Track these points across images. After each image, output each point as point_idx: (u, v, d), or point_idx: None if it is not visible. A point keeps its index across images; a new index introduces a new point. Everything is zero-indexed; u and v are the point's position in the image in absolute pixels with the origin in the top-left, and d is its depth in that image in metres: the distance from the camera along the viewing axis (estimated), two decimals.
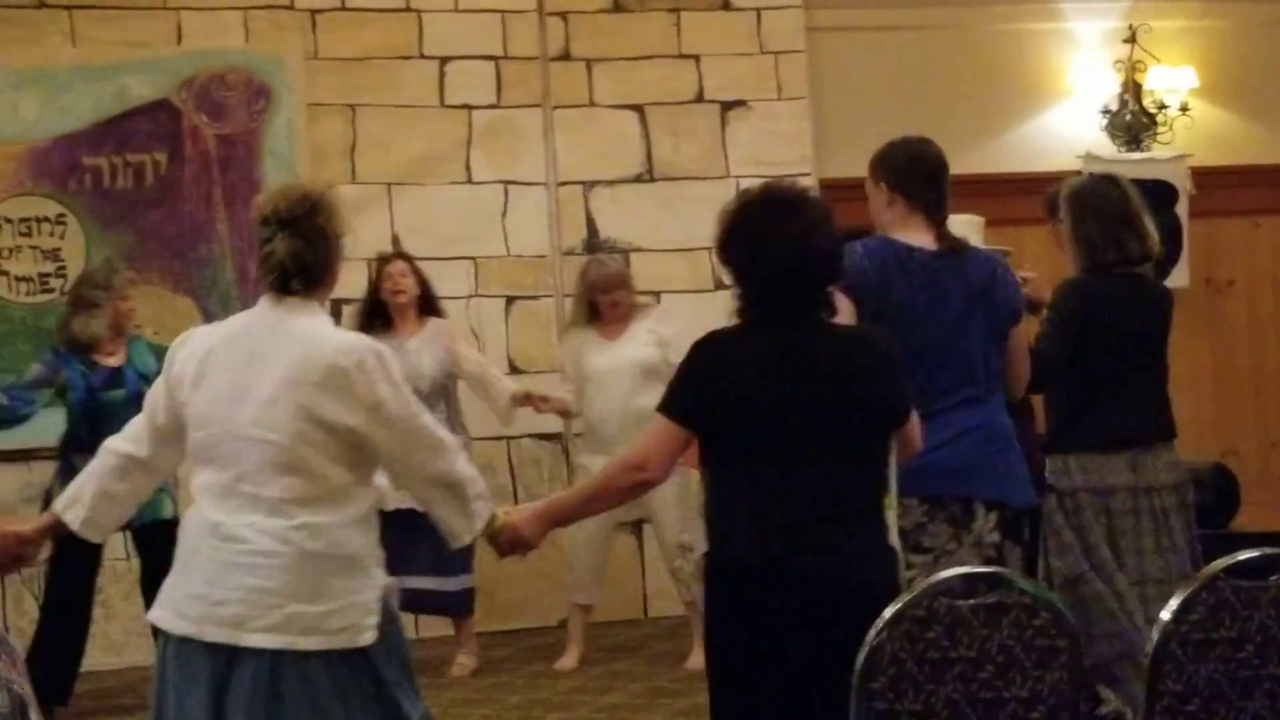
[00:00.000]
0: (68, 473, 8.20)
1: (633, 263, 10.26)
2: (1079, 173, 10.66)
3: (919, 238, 5.36)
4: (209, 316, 9.42)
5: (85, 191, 9.52)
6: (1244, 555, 4.12)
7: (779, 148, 10.53)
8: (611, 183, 10.41)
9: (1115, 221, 6.01)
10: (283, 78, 9.89)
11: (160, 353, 8.58)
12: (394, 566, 4.86)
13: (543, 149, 10.34)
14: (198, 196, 9.71)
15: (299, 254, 4.39)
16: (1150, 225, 6.05)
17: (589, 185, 10.38)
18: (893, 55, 10.88)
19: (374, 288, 8.80)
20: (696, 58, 10.54)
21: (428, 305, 8.83)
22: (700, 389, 4.43)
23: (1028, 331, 5.85)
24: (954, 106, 10.75)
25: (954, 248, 5.39)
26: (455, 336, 8.89)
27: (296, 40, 9.97)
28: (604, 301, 8.80)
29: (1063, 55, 11.20)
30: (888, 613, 3.89)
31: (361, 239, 9.83)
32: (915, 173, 5.45)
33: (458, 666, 8.79)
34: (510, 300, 10.12)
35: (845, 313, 4.98)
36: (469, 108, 10.26)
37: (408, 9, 10.19)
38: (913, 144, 5.58)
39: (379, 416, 4.33)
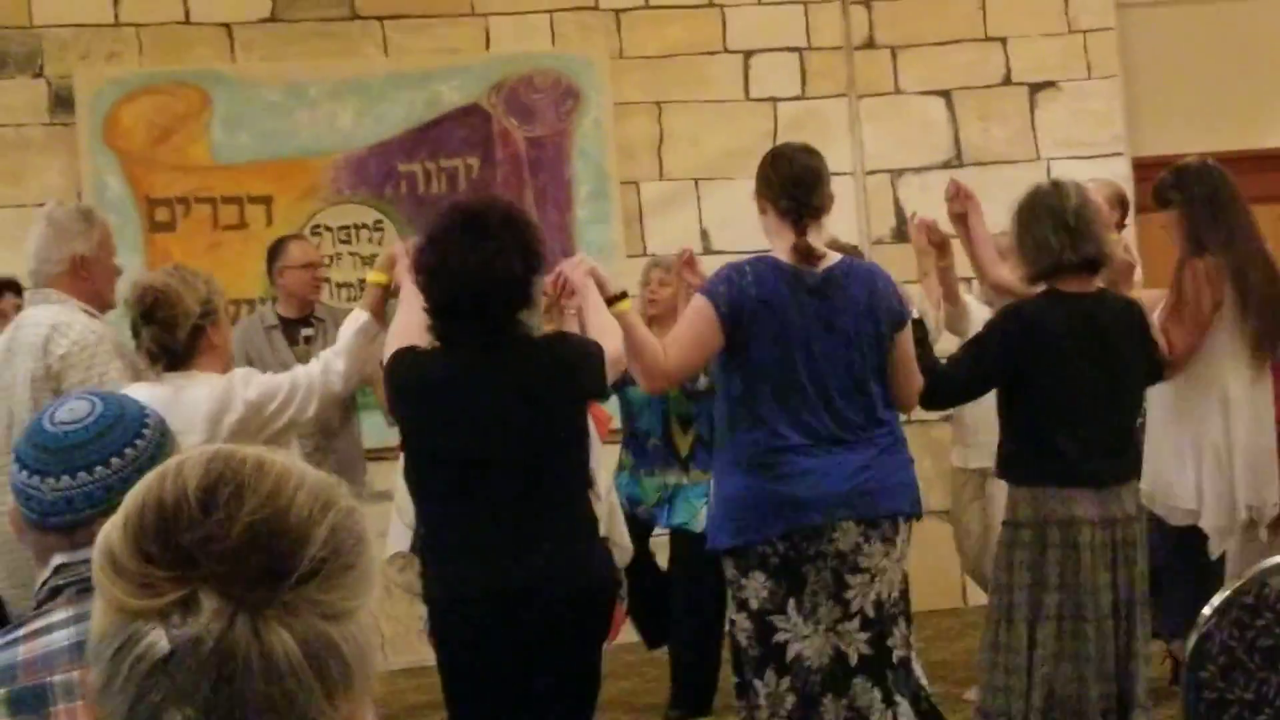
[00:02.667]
0: None
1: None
2: None
3: (788, 251, 5.41)
4: None
5: (401, 198, 9.73)
6: None
7: (1090, 128, 10.34)
8: (920, 170, 10.31)
9: (1047, 226, 5.68)
10: (590, 78, 9.99)
11: None
12: None
13: (849, 138, 10.30)
14: (510, 199, 9.84)
15: (158, 340, 5.11)
16: (1096, 231, 5.73)
17: (897, 173, 10.31)
18: (1206, 29, 10.58)
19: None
20: (1004, 40, 10.40)
21: None
22: (399, 408, 4.70)
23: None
24: (1269, 78, 10.47)
25: (810, 262, 5.37)
26: None
27: (602, 40, 10.07)
28: None
29: None
30: (1216, 600, 3.77)
31: (671, 235, 9.94)
32: (781, 181, 5.42)
33: None
34: None
35: (710, 335, 5.29)
36: (774, 100, 10.26)
37: (711, 4, 10.23)
38: (783, 151, 5.62)
39: (263, 417, 5.19)
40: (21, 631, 2.53)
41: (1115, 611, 5.64)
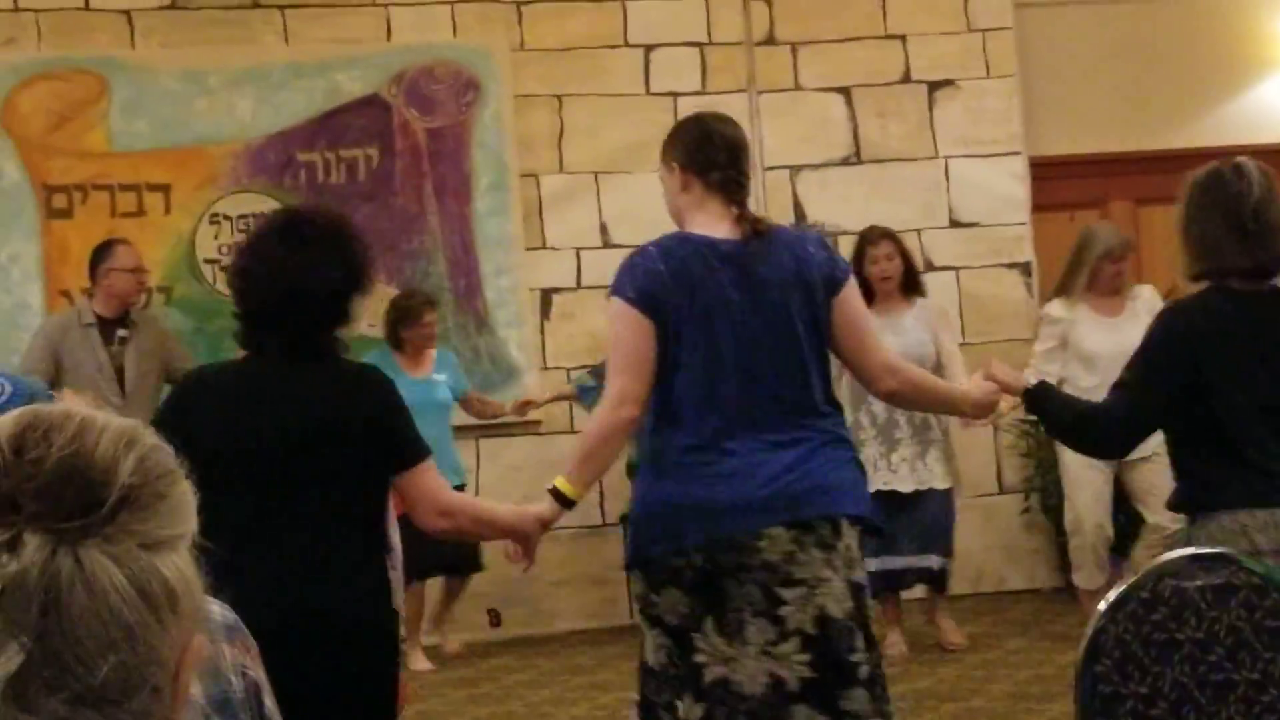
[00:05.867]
0: None
1: (841, 246, 10.22)
2: None
3: (718, 225, 4.80)
4: None
5: (300, 187, 9.67)
6: (1184, 552, 3.94)
7: (988, 127, 10.42)
8: (818, 166, 10.37)
9: (1219, 223, 4.71)
10: (490, 70, 9.98)
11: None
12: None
13: (749, 134, 10.27)
14: (409, 190, 9.83)
15: None
16: (1277, 230, 4.69)
17: (796, 169, 10.36)
18: (1102, 29, 10.70)
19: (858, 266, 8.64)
20: (903, 37, 10.46)
21: (912, 283, 8.72)
22: (173, 426, 4.14)
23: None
24: (1166, 80, 10.59)
25: (758, 231, 4.80)
26: (941, 319, 8.74)
27: (503, 32, 10.06)
28: (1109, 271, 8.29)
29: (1277, 23, 10.92)
30: (1112, 595, 3.83)
31: (570, 228, 9.96)
32: (709, 149, 4.88)
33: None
34: None
35: (634, 331, 4.70)
36: (674, 95, 10.27)
37: None
38: (706, 120, 5.08)
39: None
40: None
41: None
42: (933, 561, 8.45)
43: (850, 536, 4.72)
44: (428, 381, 8.99)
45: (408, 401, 9.10)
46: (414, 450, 4.32)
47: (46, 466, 1.40)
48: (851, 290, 4.88)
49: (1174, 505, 4.83)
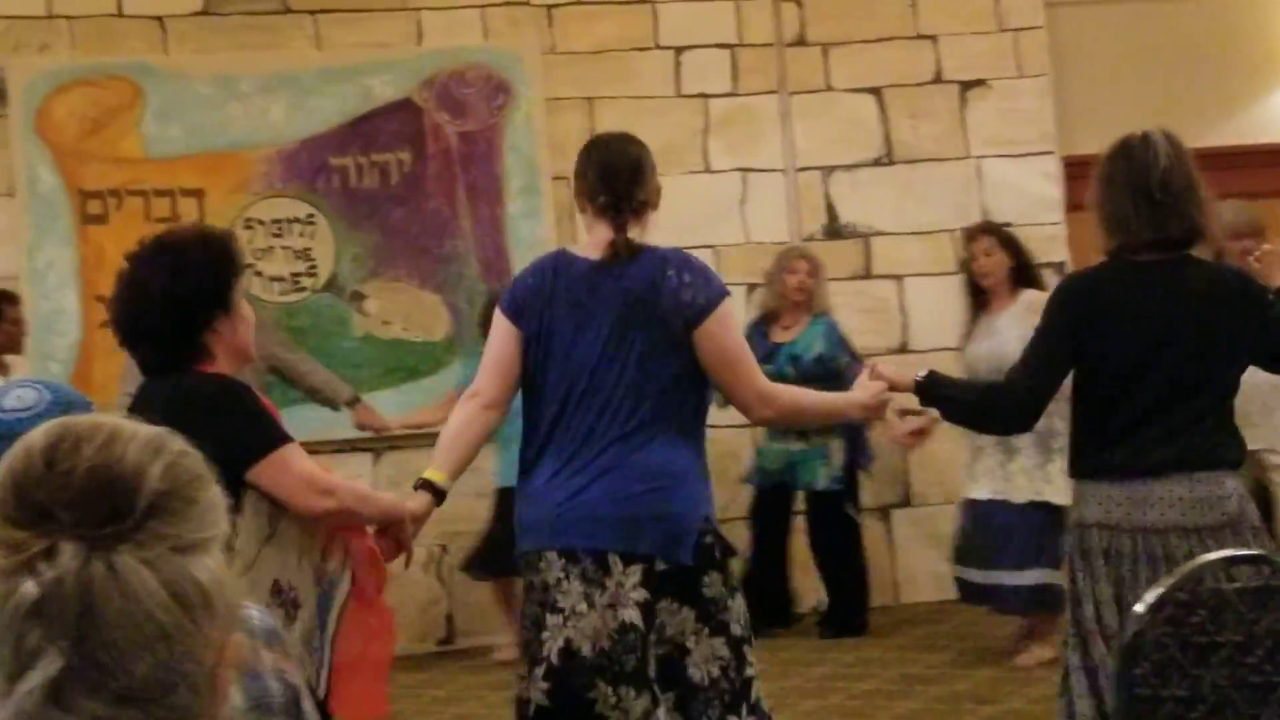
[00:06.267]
0: None
1: (872, 247, 10.23)
2: None
3: (597, 248, 4.88)
4: (455, 312, 9.59)
5: (333, 191, 9.71)
6: (1222, 554, 3.91)
7: (1020, 127, 10.41)
8: (850, 167, 10.36)
9: (1126, 195, 4.72)
10: (521, 73, 9.99)
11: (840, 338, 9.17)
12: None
13: (780, 135, 10.32)
14: (441, 193, 9.85)
15: None
16: (1186, 202, 4.69)
17: (828, 170, 10.35)
18: (1134, 28, 10.68)
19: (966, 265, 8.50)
20: (934, 38, 10.45)
21: (1023, 276, 8.33)
22: None
23: None
24: (1198, 78, 10.55)
25: (620, 253, 4.82)
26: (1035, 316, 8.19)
27: (534, 35, 10.07)
28: (1235, 250, 7.42)
29: None
30: (1150, 597, 3.81)
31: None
32: (593, 174, 4.98)
33: (1028, 655, 8.20)
34: (751, 287, 9.96)
35: (498, 334, 4.85)
36: (705, 97, 10.28)
37: (642, 0, 10.23)
38: (597, 142, 5.16)
39: None
40: None
41: None
42: (977, 576, 8.13)
43: (623, 574, 4.65)
44: None
45: None
46: (252, 446, 4.10)
47: (77, 476, 1.46)
48: (715, 322, 4.78)
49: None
